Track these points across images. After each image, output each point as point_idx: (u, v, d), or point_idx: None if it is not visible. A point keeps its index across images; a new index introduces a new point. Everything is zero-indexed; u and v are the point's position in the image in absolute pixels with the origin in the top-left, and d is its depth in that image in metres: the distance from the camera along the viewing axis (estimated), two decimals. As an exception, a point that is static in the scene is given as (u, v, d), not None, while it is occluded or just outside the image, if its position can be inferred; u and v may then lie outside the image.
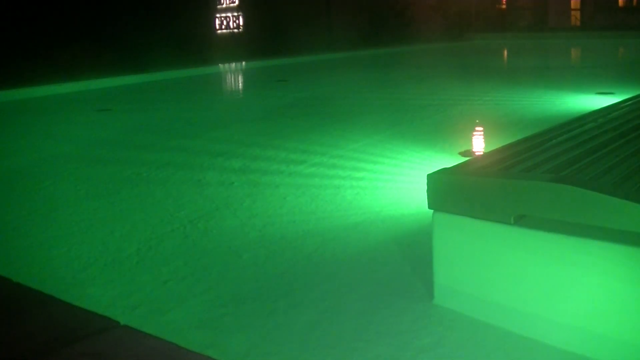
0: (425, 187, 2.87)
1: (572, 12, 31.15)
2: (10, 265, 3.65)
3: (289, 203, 4.69)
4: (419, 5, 25.08)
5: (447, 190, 2.82)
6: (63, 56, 13.16)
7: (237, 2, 22.01)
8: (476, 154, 6.03)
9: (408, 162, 5.77)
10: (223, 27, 22.04)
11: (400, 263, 3.48)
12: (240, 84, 16.07)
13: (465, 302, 2.81)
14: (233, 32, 21.86)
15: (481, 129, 7.72)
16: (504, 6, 32.02)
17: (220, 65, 18.44)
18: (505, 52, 22.90)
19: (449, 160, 5.44)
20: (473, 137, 7.20)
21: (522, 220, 2.58)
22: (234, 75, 17.86)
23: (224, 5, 22.20)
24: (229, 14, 22.12)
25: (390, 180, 5.18)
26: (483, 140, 7.01)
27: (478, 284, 2.78)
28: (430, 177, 2.87)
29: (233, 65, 18.87)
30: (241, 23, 21.92)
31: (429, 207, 2.87)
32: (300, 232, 4.06)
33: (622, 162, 2.92)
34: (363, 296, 3.09)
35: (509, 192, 2.61)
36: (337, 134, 7.34)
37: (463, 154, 5.88)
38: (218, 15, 21.92)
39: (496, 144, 3.67)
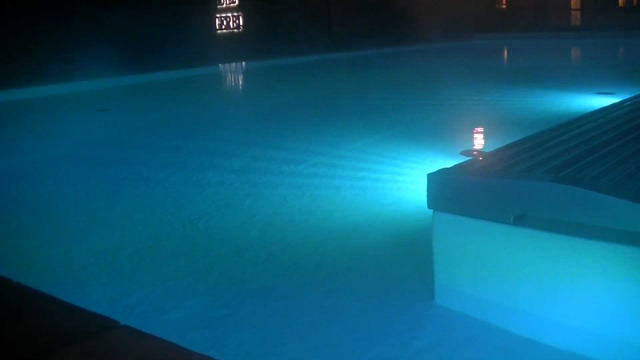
0: (426, 187, 2.87)
1: (572, 12, 31.13)
2: (10, 265, 3.65)
3: (289, 203, 4.69)
4: (419, 5, 25.07)
5: (447, 190, 2.82)
6: (63, 56, 13.16)
7: (237, 2, 22.01)
8: (476, 154, 6.03)
9: (408, 162, 5.77)
10: (223, 27, 22.03)
11: (400, 263, 3.48)
12: (240, 84, 16.07)
13: (466, 302, 2.81)
14: (233, 32, 21.86)
15: (481, 129, 7.72)
16: (504, 6, 32.02)
17: (220, 65, 18.43)
18: (505, 52, 22.91)
19: (449, 160, 5.44)
20: (473, 137, 7.20)
21: (522, 220, 2.58)
22: (234, 75, 17.86)
23: (224, 5, 22.19)
24: (229, 14, 22.12)
25: (390, 180, 5.18)
26: (483, 140, 7.01)
27: (478, 283, 2.77)
28: (430, 177, 2.87)
29: (233, 65, 18.86)
30: (241, 23, 21.91)
31: (429, 207, 2.87)
32: (300, 232, 4.06)
33: (622, 162, 2.92)
34: (363, 296, 3.09)
35: (509, 192, 2.61)
36: (337, 134, 7.34)
37: (463, 153, 5.88)
38: (218, 15, 21.90)
39: (496, 144, 3.67)
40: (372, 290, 3.15)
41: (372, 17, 22.96)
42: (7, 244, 4.09)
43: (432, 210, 2.86)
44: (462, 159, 4.54)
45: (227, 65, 18.74)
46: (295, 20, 20.36)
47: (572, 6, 31.13)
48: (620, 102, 4.84)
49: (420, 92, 11.35)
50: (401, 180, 5.19)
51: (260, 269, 3.49)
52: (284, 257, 3.65)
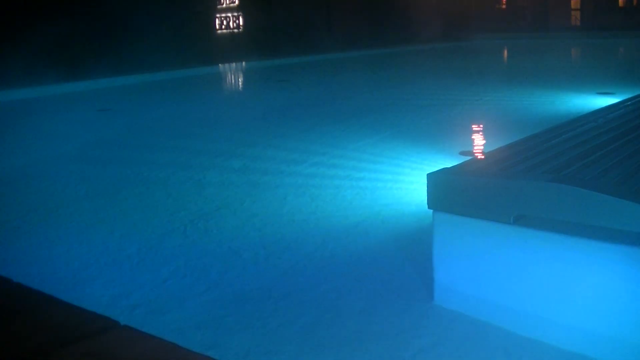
0: (426, 187, 2.87)
1: (572, 12, 31.12)
2: (10, 265, 3.65)
3: (289, 203, 4.69)
4: (419, 5, 25.07)
5: (447, 190, 2.82)
6: (63, 56, 13.16)
7: (237, 2, 22.01)
8: (476, 154, 6.03)
9: (408, 162, 5.77)
10: (223, 27, 22.03)
11: (400, 263, 3.48)
12: (240, 84, 16.07)
13: (465, 302, 2.81)
14: (233, 32, 21.85)
15: (481, 129, 7.72)
16: (504, 6, 32.02)
17: (220, 65, 18.43)
18: (505, 52, 22.90)
19: (449, 160, 5.44)
20: (473, 137, 7.20)
21: (522, 220, 2.58)
22: (234, 75, 17.86)
23: (224, 5, 22.19)
24: (229, 14, 22.12)
25: (390, 180, 5.18)
26: (483, 140, 7.01)
27: (478, 283, 2.78)
28: (430, 177, 2.87)
29: (233, 65, 18.86)
30: (241, 23, 21.91)
31: (429, 207, 2.87)
32: (300, 232, 4.06)
33: (622, 162, 2.92)
34: (363, 296, 3.09)
35: (508, 192, 2.61)
36: (337, 134, 7.34)
37: (463, 153, 5.88)
38: (218, 15, 21.91)
39: (496, 144, 3.67)
40: (372, 290, 3.15)
41: (372, 17, 22.96)
42: (7, 244, 4.09)
43: (432, 210, 2.86)
44: (461, 159, 4.54)
45: (227, 65, 18.74)
46: (295, 20, 20.37)
47: (572, 6, 31.12)
48: (620, 102, 4.84)
49: (421, 92, 11.35)
50: (401, 180, 5.19)
51: (260, 268, 3.50)
52: (284, 257, 3.65)
